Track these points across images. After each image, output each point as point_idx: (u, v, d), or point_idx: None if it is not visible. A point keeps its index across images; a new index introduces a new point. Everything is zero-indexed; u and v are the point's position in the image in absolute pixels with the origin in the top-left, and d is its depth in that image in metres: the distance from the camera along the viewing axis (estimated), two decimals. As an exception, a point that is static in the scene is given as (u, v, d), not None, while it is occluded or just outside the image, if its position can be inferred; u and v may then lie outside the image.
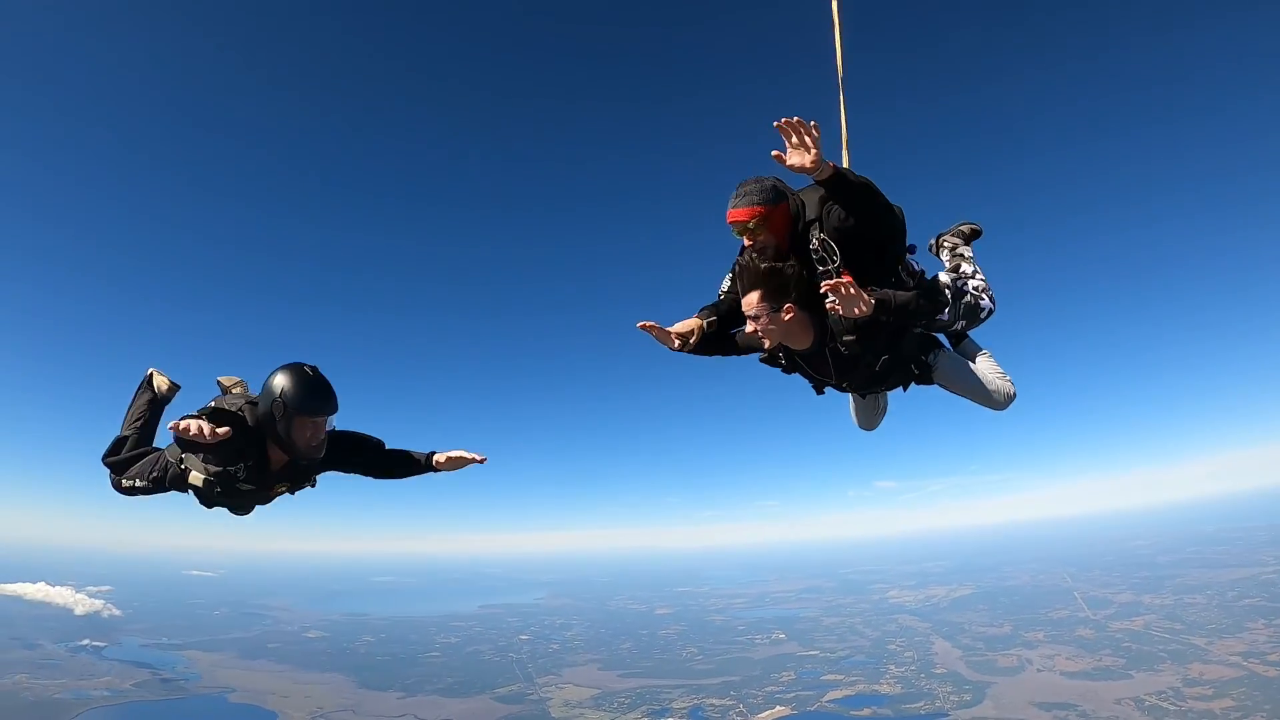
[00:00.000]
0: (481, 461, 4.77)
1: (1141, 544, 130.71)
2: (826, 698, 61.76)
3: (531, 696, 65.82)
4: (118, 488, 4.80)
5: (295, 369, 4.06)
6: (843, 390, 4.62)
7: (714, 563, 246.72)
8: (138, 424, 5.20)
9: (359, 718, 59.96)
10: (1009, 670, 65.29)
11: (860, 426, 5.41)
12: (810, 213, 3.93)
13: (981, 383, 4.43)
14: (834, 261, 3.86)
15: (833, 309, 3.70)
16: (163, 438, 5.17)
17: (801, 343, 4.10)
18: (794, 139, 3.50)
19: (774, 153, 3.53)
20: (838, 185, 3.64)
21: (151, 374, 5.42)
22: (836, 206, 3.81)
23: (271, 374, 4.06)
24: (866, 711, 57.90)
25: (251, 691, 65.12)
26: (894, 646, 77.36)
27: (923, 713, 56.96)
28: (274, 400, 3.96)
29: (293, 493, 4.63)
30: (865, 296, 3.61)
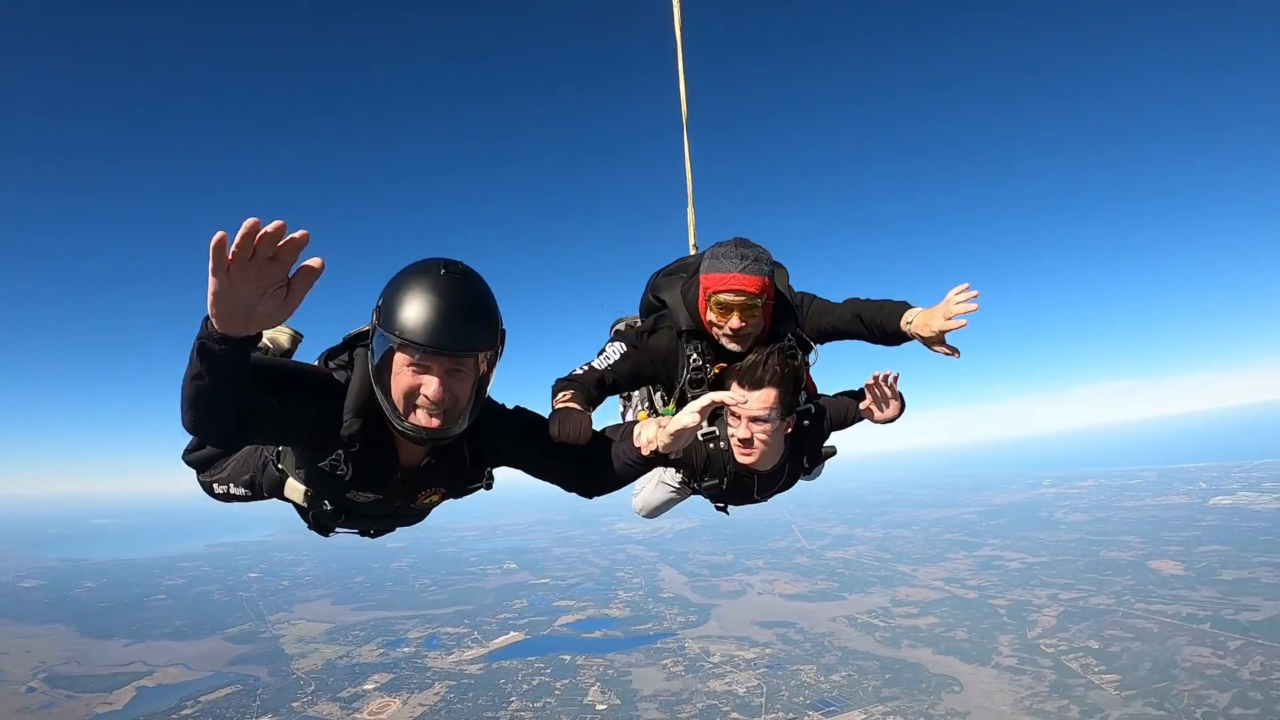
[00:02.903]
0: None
1: (854, 485, 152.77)
2: (559, 622, 63.13)
3: (264, 634, 64.23)
4: (209, 492, 3.20)
5: (421, 268, 2.20)
6: (748, 504, 3.63)
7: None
8: None
9: (85, 669, 56.08)
10: (731, 594, 69.17)
11: (646, 516, 4.58)
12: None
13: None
14: (804, 362, 3.24)
15: (866, 410, 3.28)
16: None
17: (773, 459, 3.20)
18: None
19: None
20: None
21: None
22: (821, 303, 3.46)
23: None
24: (598, 634, 59.04)
25: (-33, 651, 59.41)
26: (622, 574, 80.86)
27: (651, 633, 58.42)
28: (374, 325, 2.24)
29: (458, 496, 2.89)
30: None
